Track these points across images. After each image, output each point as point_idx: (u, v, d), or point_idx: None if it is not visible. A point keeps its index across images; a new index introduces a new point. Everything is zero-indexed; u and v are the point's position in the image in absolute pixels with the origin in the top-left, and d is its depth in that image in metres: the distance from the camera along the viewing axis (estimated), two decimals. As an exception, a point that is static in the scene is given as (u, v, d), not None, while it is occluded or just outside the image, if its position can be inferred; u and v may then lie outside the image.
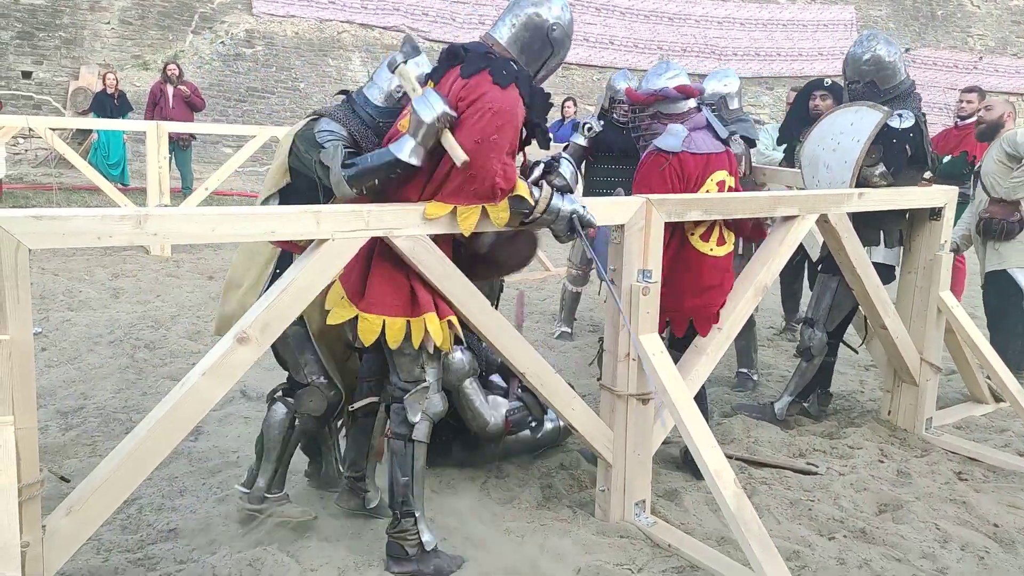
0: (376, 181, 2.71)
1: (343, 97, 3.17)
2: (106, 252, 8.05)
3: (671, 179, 3.50)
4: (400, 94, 3.01)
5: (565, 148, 5.02)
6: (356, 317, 2.80)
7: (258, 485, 3.19)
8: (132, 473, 2.41)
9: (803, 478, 3.80)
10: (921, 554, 3.17)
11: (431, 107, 2.63)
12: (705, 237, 3.58)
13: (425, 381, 2.90)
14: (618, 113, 5.53)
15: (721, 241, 3.62)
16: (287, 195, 3.02)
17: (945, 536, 3.31)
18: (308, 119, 3.09)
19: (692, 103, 3.63)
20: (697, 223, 3.52)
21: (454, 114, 2.68)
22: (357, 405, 3.18)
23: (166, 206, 8.34)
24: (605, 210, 3.14)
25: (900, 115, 4.06)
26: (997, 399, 4.84)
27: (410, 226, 2.69)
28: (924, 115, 4.21)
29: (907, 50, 19.82)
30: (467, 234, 2.79)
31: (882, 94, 4.18)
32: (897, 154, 4.02)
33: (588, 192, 5.28)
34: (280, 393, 3.25)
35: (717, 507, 3.17)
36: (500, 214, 2.76)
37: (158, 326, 5.86)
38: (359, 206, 2.64)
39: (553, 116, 14.15)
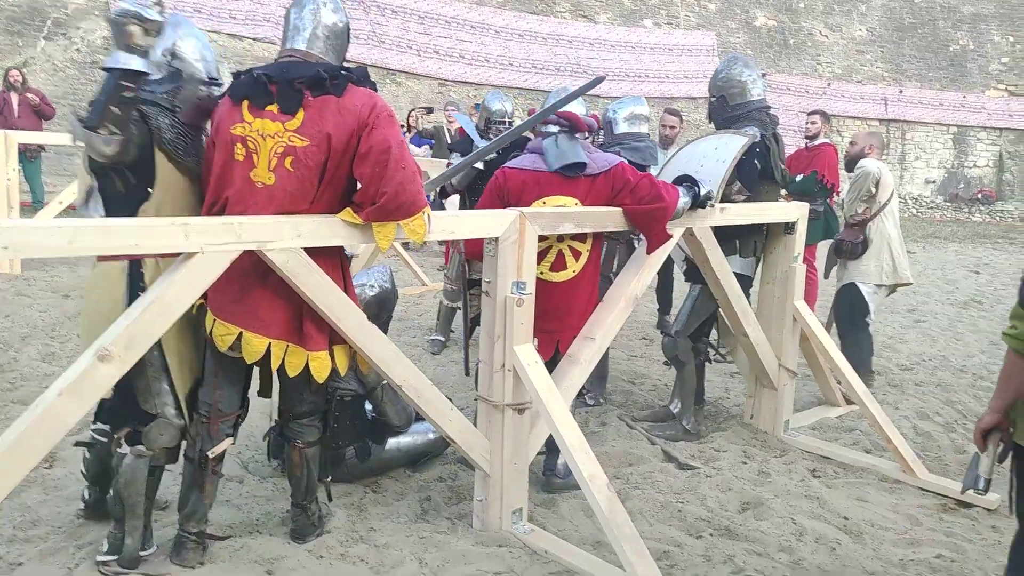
0: (117, 110, 2.56)
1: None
2: (-54, 269, 7.47)
3: (493, 194, 3.69)
4: (170, 57, 2.87)
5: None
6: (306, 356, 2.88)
7: (128, 547, 2.86)
8: (-21, 502, 2.25)
9: (673, 481, 3.96)
10: (779, 547, 3.36)
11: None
12: (550, 264, 3.64)
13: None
14: (493, 133, 5.65)
15: (558, 267, 3.66)
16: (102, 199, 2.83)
17: (801, 530, 3.52)
18: None
19: (553, 129, 3.71)
20: (546, 250, 3.58)
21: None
22: (218, 450, 2.95)
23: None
24: (480, 223, 3.19)
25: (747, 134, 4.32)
26: (848, 402, 5.18)
27: (284, 239, 2.65)
28: (778, 136, 4.50)
29: (764, 75, 21.01)
30: (384, 248, 2.89)
31: (730, 109, 4.47)
32: (748, 170, 4.27)
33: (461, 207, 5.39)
34: (123, 442, 2.88)
35: (592, 512, 3.26)
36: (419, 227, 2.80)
37: (7, 348, 5.47)
38: (231, 219, 2.58)
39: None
